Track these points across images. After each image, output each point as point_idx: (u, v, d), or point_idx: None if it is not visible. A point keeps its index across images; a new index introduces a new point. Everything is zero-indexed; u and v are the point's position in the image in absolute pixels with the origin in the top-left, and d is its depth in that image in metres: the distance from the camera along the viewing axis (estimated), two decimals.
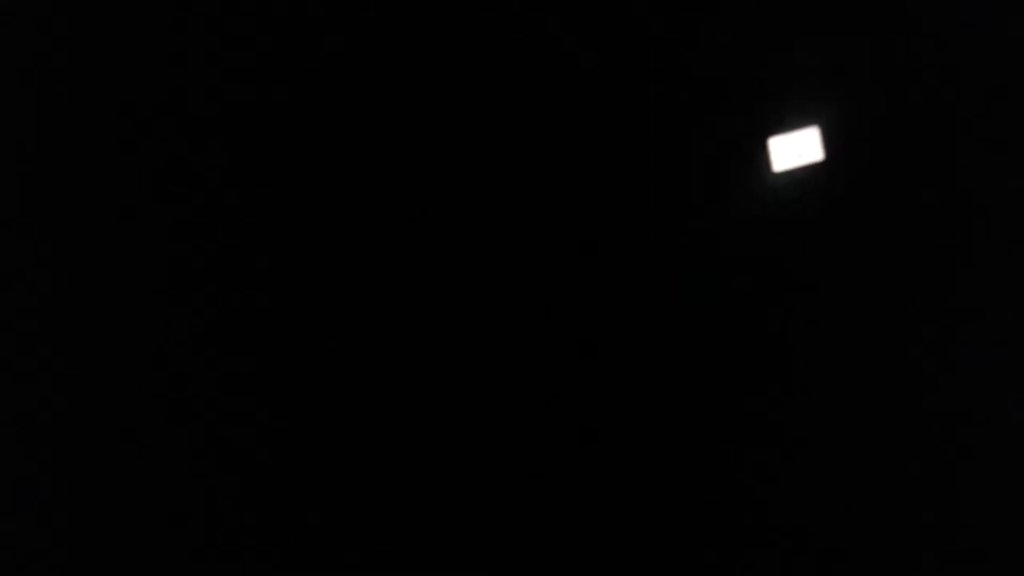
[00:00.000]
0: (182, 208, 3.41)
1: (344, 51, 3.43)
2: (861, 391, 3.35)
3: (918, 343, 3.34)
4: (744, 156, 3.43)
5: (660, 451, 3.39)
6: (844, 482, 3.31)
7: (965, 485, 3.24)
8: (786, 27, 3.40)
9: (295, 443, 3.38)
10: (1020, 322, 3.27)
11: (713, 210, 3.42)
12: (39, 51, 3.36)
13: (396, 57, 3.44)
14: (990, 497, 3.22)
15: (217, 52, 3.41)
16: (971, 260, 3.33)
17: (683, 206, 3.44)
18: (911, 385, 3.33)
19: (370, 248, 3.44)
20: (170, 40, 3.40)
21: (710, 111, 3.43)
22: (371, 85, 3.43)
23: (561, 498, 3.38)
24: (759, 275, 3.42)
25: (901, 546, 3.28)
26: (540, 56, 3.42)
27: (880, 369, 3.36)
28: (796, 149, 3.39)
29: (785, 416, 3.36)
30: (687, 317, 3.41)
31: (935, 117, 3.35)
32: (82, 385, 3.32)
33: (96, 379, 3.33)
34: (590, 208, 3.43)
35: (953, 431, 3.28)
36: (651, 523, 3.37)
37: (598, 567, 3.36)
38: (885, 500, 3.29)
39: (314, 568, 3.34)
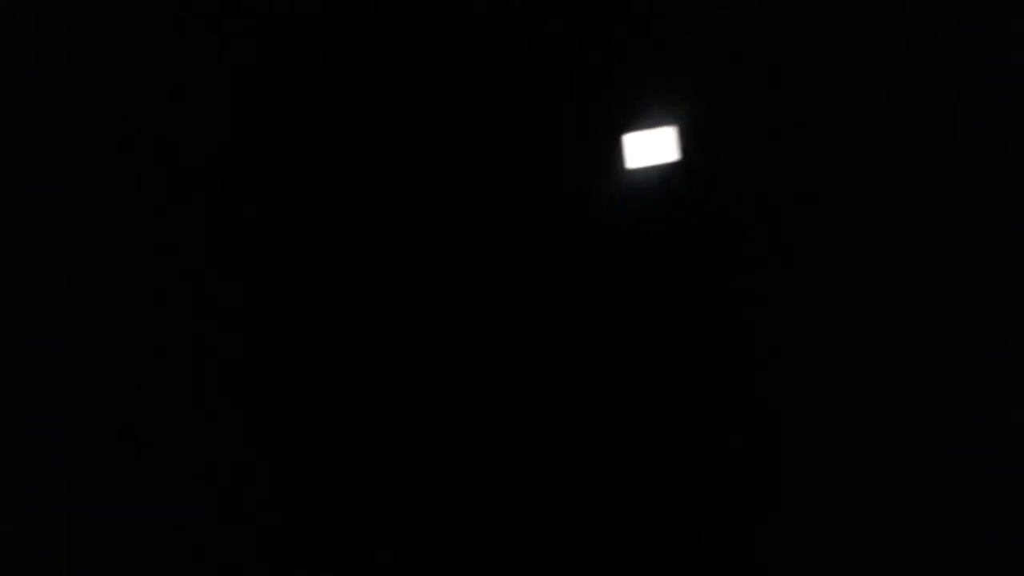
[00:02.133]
0: (181, 207, 3.41)
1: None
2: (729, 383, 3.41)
3: (776, 336, 3.37)
4: (599, 152, 3.39)
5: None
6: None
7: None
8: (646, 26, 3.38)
9: (294, 443, 3.39)
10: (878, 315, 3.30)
11: (568, 206, 3.39)
12: (39, 51, 3.36)
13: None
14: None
15: (217, 52, 3.41)
16: (826, 259, 3.33)
17: (537, 202, 3.41)
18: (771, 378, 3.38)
19: (360, 248, 3.45)
20: (170, 40, 3.41)
21: (565, 105, 3.39)
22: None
23: (561, 498, 3.39)
24: (614, 272, 3.41)
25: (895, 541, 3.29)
26: (398, 58, 3.41)
27: (736, 360, 3.40)
28: (652, 147, 3.35)
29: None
30: (547, 314, 3.43)
31: (793, 120, 3.35)
32: (81, 385, 3.33)
33: (94, 378, 3.33)
34: (448, 205, 3.41)
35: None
36: (651, 522, 3.38)
37: (598, 567, 3.36)
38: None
39: (314, 568, 3.34)
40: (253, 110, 3.44)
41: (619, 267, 3.38)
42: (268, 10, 3.42)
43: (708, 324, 3.41)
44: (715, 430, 3.40)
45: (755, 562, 3.34)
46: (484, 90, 3.37)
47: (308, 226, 3.44)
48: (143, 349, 3.36)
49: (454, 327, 3.42)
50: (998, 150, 3.26)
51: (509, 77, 3.37)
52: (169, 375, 3.36)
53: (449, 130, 3.39)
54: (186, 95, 3.41)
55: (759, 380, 3.39)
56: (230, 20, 3.41)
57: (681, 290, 3.42)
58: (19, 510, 3.25)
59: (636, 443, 3.41)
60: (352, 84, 3.39)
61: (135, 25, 3.40)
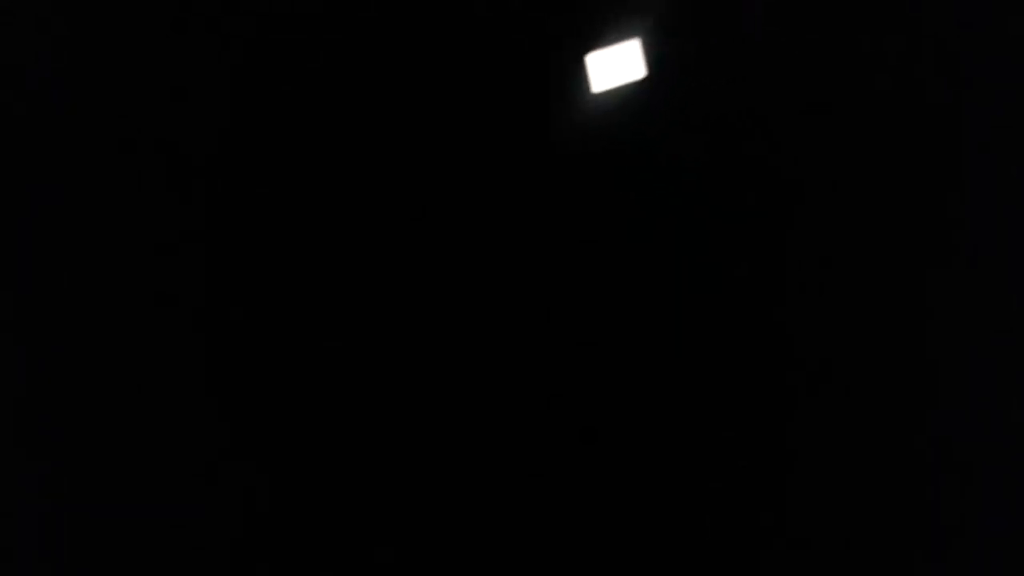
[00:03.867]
0: (181, 207, 3.42)
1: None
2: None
3: (750, 261, 3.24)
4: (561, 75, 3.11)
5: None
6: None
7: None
8: None
9: (294, 443, 3.39)
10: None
11: (531, 138, 3.14)
12: (39, 51, 3.36)
13: None
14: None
15: (217, 52, 3.41)
16: (799, 179, 3.19)
17: (498, 134, 3.17)
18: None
19: (360, 249, 3.45)
20: (170, 40, 3.41)
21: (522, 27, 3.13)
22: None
23: (561, 498, 3.39)
24: (584, 205, 3.20)
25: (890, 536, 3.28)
26: None
27: (710, 287, 3.26)
28: (616, 65, 3.06)
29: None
30: (517, 253, 3.28)
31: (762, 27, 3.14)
32: (80, 386, 3.33)
33: (94, 378, 3.33)
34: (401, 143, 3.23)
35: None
36: (650, 522, 3.37)
37: (598, 567, 3.36)
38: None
39: (314, 568, 3.34)
40: (253, 110, 3.44)
41: (592, 197, 3.19)
42: (268, 10, 3.42)
43: (688, 257, 3.25)
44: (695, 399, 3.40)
45: (755, 561, 3.34)
46: (432, 23, 3.17)
47: (311, 223, 3.44)
48: (143, 349, 3.36)
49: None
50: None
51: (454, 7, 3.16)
52: (169, 374, 3.36)
53: (402, 65, 3.21)
54: (186, 95, 3.41)
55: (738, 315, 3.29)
56: (230, 20, 3.41)
57: (659, 223, 3.24)
58: (19, 510, 3.25)
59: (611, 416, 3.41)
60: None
61: (135, 25, 3.40)
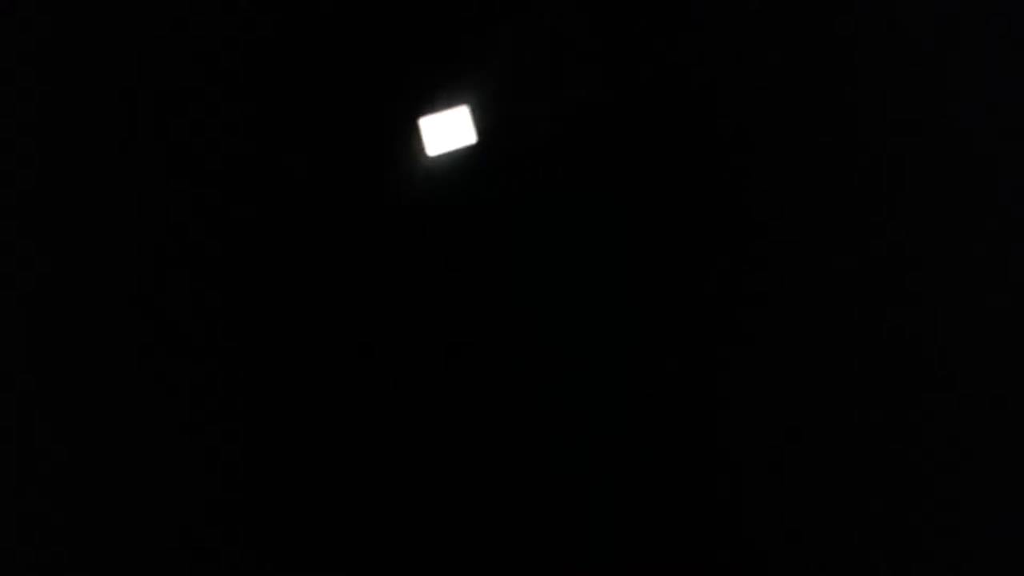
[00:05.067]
0: (180, 207, 3.42)
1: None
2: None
3: (595, 321, 3.34)
4: (396, 140, 3.26)
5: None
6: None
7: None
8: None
9: (292, 443, 3.39)
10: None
11: (367, 201, 3.28)
12: (38, 50, 3.36)
13: None
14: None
15: (217, 51, 3.42)
16: (633, 239, 3.31)
17: (336, 198, 3.31)
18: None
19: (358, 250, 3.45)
20: (170, 40, 3.41)
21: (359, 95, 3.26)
22: None
23: (559, 497, 3.39)
24: (422, 264, 3.34)
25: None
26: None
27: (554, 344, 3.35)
28: (448, 130, 3.21)
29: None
30: (357, 314, 3.37)
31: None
32: (78, 386, 3.33)
33: (92, 379, 3.33)
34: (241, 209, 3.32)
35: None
36: (649, 521, 3.38)
37: (597, 565, 3.37)
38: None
39: (314, 568, 3.35)
40: (252, 109, 3.44)
41: (428, 260, 3.31)
42: (267, 9, 3.43)
43: (531, 316, 3.34)
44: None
45: (755, 561, 3.35)
46: (268, 92, 3.26)
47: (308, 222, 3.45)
48: (142, 348, 3.36)
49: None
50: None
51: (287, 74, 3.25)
52: (168, 374, 3.36)
53: (237, 131, 3.30)
54: (185, 92, 3.41)
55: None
56: (230, 20, 3.42)
57: (501, 283, 3.35)
58: (18, 510, 3.25)
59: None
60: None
61: (135, 24, 3.40)
